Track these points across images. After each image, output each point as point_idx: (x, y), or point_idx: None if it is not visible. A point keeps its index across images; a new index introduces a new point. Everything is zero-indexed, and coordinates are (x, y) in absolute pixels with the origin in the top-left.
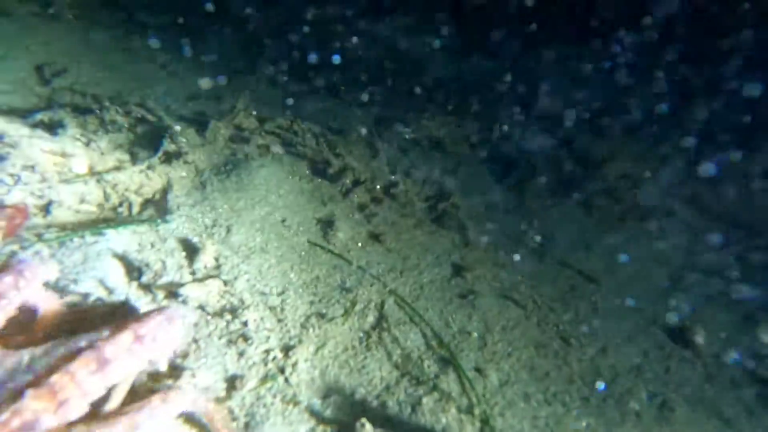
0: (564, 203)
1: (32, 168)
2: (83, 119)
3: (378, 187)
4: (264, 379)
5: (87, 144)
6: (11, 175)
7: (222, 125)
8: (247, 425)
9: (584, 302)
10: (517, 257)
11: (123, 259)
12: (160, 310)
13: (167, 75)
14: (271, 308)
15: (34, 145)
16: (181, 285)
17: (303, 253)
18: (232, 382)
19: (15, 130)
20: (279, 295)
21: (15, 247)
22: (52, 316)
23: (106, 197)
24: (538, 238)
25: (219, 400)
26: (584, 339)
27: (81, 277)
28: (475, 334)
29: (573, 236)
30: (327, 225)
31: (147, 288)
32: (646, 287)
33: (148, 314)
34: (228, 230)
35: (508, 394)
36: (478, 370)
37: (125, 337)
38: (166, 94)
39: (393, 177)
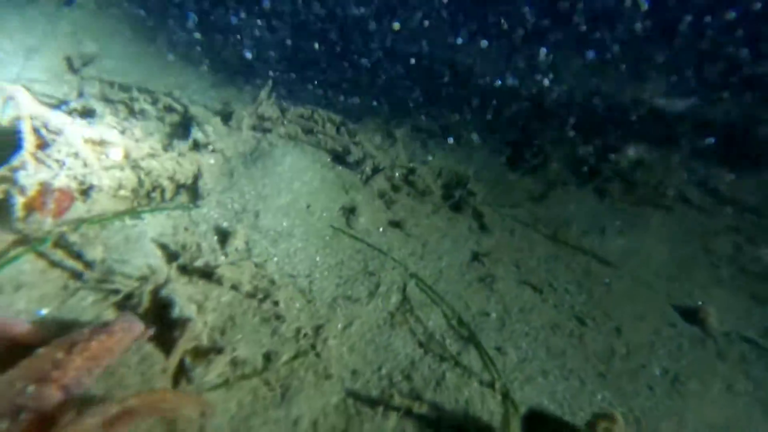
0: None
1: (75, 154)
2: (115, 108)
3: (397, 174)
4: (297, 354)
5: (123, 132)
6: (57, 161)
7: (246, 114)
8: (283, 396)
9: (598, 284)
10: (532, 242)
11: (160, 241)
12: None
13: (189, 64)
14: (301, 290)
15: (76, 133)
16: (216, 266)
17: (327, 237)
18: (268, 357)
19: (56, 117)
20: (306, 277)
21: (65, 228)
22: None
23: (141, 183)
24: (552, 223)
25: (256, 372)
26: (599, 319)
27: (124, 257)
28: (494, 315)
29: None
30: (349, 211)
31: (184, 269)
32: (658, 269)
33: (68, 357)
34: (256, 215)
35: (527, 370)
36: (497, 348)
37: (51, 391)
38: (189, 83)
39: (411, 164)
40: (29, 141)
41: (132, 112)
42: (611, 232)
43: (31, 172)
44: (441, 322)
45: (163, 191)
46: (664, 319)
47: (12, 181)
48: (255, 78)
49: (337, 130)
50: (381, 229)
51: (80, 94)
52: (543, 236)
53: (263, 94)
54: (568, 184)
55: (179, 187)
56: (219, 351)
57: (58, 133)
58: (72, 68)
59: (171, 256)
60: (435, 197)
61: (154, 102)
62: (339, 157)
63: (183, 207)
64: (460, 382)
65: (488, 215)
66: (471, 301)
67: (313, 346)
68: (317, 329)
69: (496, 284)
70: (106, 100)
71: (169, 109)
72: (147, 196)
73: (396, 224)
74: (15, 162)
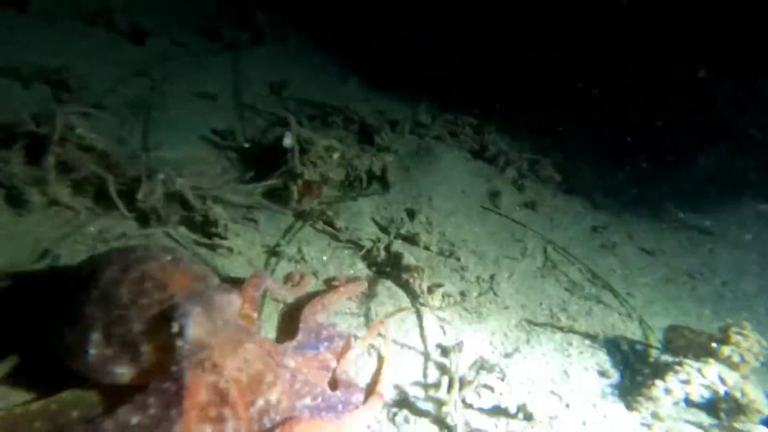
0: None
1: (321, 158)
2: (317, 122)
3: (524, 165)
4: (481, 293)
5: (340, 140)
6: (311, 162)
7: (407, 122)
8: (479, 317)
9: (702, 249)
10: (639, 217)
11: (373, 217)
12: None
13: (345, 84)
14: (472, 250)
15: (320, 142)
16: (415, 234)
17: (480, 214)
18: (463, 293)
19: (306, 132)
20: (473, 242)
21: (322, 206)
22: None
23: (348, 176)
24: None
25: (458, 302)
26: (706, 275)
27: (356, 226)
28: (618, 272)
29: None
30: (493, 195)
31: (397, 236)
32: (754, 235)
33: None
34: (430, 198)
35: (653, 308)
36: (627, 293)
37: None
38: (351, 98)
39: (535, 157)
40: (297, 150)
41: (325, 123)
42: (707, 207)
43: (300, 171)
44: (578, 276)
45: (361, 181)
46: (763, 275)
47: (291, 176)
48: (399, 93)
49: (475, 131)
50: (518, 208)
51: (290, 112)
52: (647, 213)
53: (422, 107)
54: (662, 169)
55: (371, 178)
56: (438, 286)
57: (310, 143)
58: (273, 92)
59: (382, 226)
60: (555, 183)
61: (338, 114)
62: (477, 153)
63: (379, 192)
64: (604, 313)
65: (598, 197)
66: (598, 261)
67: (491, 288)
68: (491, 276)
69: (616, 249)
70: (306, 115)
71: (349, 120)
72: (351, 186)
73: (527, 204)
74: (290, 165)
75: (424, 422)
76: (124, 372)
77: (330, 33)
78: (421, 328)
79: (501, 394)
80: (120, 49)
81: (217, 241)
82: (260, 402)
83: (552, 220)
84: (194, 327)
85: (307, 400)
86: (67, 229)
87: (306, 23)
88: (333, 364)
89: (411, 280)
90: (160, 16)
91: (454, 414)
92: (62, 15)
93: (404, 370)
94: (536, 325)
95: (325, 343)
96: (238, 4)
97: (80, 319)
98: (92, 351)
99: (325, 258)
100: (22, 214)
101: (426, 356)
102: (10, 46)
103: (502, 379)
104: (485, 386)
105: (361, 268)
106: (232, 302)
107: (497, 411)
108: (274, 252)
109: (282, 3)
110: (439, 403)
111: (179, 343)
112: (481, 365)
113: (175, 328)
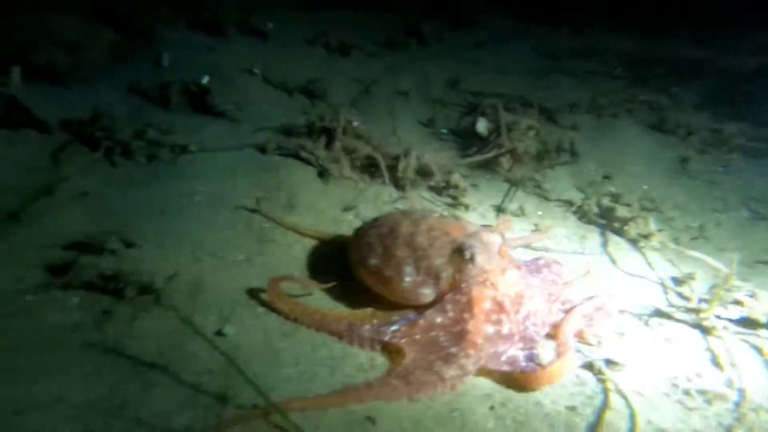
0: None
1: (524, 134)
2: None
3: (707, 134)
4: (692, 238)
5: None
6: (518, 139)
7: (583, 102)
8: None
9: None
10: None
11: (573, 182)
12: None
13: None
14: (673, 206)
15: (522, 123)
16: (619, 193)
17: (671, 177)
18: (676, 239)
19: (504, 115)
20: (672, 198)
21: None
22: None
23: (539, 150)
24: None
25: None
26: None
27: (558, 187)
28: None
29: None
30: (681, 160)
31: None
32: None
33: None
34: (621, 164)
35: None
36: None
37: None
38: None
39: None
40: (505, 130)
41: (506, 109)
42: None
43: (510, 147)
44: None
45: (551, 154)
46: None
47: (502, 150)
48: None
49: (650, 107)
50: (709, 171)
51: (479, 103)
52: None
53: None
54: None
55: (559, 150)
56: (659, 231)
57: (514, 123)
58: (450, 86)
59: (582, 188)
60: (741, 149)
61: (516, 101)
62: (655, 127)
63: (570, 162)
64: None
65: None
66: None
67: (701, 234)
68: (700, 226)
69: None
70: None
71: (527, 104)
72: (542, 158)
73: (715, 169)
74: (501, 141)
75: (675, 325)
76: (429, 293)
77: (484, 32)
78: (648, 264)
79: (751, 307)
80: (334, 61)
81: (459, 200)
82: (524, 310)
83: (744, 181)
84: (478, 256)
85: (558, 305)
86: (354, 193)
87: (458, 26)
88: (559, 280)
89: (626, 228)
90: (358, 34)
91: (713, 318)
92: (292, 39)
93: (644, 294)
94: (762, 263)
95: (546, 268)
96: (406, 18)
97: (394, 259)
98: (408, 279)
99: (540, 213)
100: (327, 183)
101: (662, 284)
102: (270, 67)
103: (752, 296)
104: (735, 302)
105: (573, 221)
106: (496, 240)
107: (746, 322)
108: (500, 209)
109: (438, 11)
110: (694, 311)
111: (470, 266)
112: (725, 287)
113: (467, 256)
